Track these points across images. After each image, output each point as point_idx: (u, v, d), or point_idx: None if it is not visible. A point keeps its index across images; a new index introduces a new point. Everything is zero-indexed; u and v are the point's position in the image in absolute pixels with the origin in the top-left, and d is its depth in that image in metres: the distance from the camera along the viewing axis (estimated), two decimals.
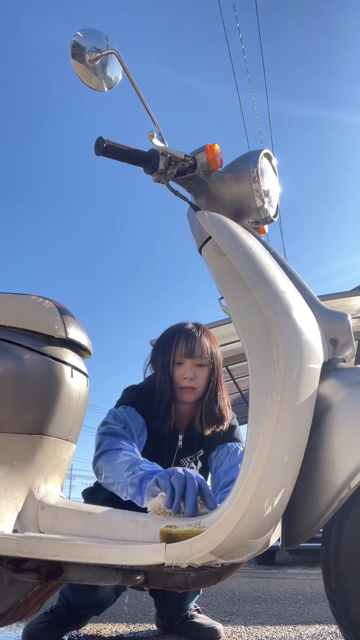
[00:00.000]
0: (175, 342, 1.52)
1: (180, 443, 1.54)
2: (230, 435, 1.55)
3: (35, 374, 1.23)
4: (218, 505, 1.12)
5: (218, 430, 1.52)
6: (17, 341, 1.25)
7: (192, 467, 1.54)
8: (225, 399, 1.56)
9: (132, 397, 1.53)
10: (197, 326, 1.57)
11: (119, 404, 1.50)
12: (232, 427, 1.56)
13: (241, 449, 1.52)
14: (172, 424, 1.52)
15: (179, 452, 1.55)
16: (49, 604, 1.60)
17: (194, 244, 1.26)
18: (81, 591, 1.49)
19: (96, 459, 1.34)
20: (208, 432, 1.52)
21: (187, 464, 1.55)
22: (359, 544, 0.95)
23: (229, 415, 1.55)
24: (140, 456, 1.33)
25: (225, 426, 1.53)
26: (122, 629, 1.76)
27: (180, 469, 1.18)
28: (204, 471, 1.57)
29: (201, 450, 1.56)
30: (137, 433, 1.44)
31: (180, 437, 1.55)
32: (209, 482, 1.49)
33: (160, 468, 1.24)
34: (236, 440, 1.55)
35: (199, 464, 1.56)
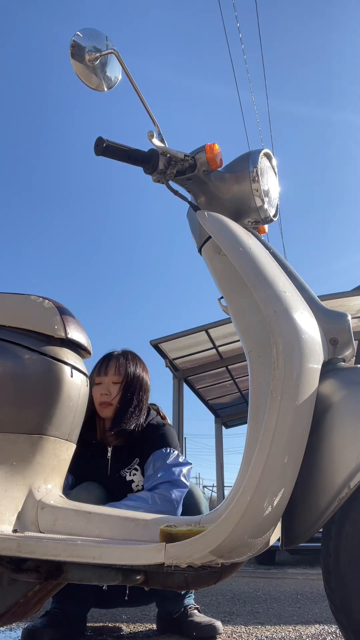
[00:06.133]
0: (97, 365, 1.70)
1: (109, 454, 1.64)
2: (161, 441, 1.61)
3: (35, 374, 1.23)
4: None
5: (121, 428, 1.59)
6: (17, 341, 1.25)
7: (134, 474, 1.62)
8: (140, 417, 1.62)
9: None
10: (123, 351, 1.72)
11: None
12: (161, 435, 1.63)
13: (168, 450, 1.58)
14: (97, 441, 1.64)
15: (112, 465, 1.63)
16: (49, 604, 1.60)
17: (193, 244, 1.26)
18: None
19: None
20: (112, 435, 1.62)
21: (128, 473, 1.63)
22: (358, 544, 0.95)
23: (139, 421, 1.62)
24: None
25: (129, 425, 1.60)
26: (122, 628, 1.76)
27: None
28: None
29: (137, 459, 1.64)
30: None
31: (109, 449, 1.64)
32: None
33: None
34: (166, 445, 1.60)
35: (139, 470, 1.64)
